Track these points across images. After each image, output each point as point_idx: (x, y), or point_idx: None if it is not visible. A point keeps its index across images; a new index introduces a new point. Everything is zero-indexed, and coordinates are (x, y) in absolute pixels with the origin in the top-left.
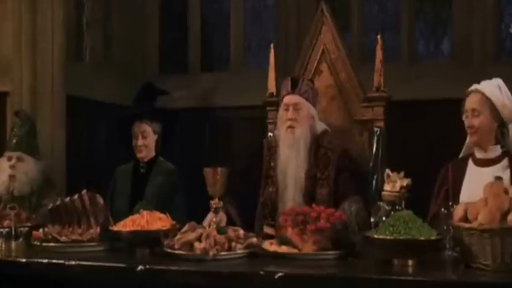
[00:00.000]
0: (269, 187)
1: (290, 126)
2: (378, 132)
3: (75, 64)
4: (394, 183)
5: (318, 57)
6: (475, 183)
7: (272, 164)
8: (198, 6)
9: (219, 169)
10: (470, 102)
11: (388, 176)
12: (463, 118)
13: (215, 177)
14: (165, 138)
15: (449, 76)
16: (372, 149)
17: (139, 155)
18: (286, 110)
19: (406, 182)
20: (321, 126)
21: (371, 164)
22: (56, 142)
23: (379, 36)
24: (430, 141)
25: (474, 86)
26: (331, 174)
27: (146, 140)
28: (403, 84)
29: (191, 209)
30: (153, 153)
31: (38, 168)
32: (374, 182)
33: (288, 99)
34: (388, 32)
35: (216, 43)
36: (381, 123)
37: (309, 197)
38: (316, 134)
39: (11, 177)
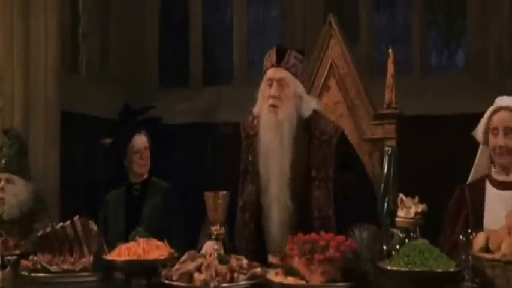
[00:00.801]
0: (248, 185)
1: (273, 105)
2: (389, 152)
3: (71, 77)
4: (409, 209)
5: (325, 72)
6: (498, 208)
7: (250, 158)
8: (199, 16)
9: (220, 193)
10: (503, 120)
11: (402, 201)
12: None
13: (216, 202)
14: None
15: (463, 90)
16: (383, 170)
17: (141, 171)
18: (270, 85)
19: (421, 207)
20: (309, 106)
21: (382, 186)
22: (49, 161)
23: (390, 50)
24: (444, 159)
25: (506, 102)
26: (330, 175)
27: (147, 151)
28: (415, 98)
29: (191, 231)
30: (147, 173)
31: (28, 190)
32: (386, 204)
33: (272, 72)
34: (399, 44)
35: (218, 55)
36: (393, 142)
37: (300, 200)
38: (304, 117)
39: (0, 200)
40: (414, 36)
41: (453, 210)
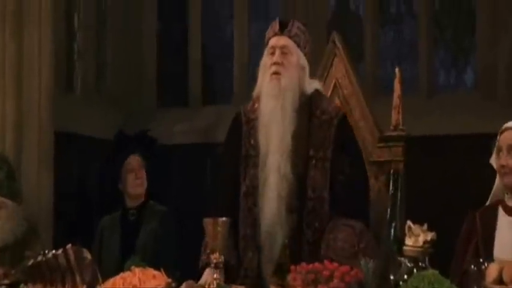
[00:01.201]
0: (250, 169)
1: (275, 72)
2: (396, 176)
3: (65, 96)
4: (417, 237)
5: (329, 92)
6: (509, 235)
7: (252, 141)
8: (198, 34)
9: (220, 220)
10: (506, 138)
11: (410, 228)
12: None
13: (216, 229)
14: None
15: (472, 109)
16: (390, 194)
17: (137, 192)
18: (272, 53)
19: (430, 236)
20: (311, 85)
21: (388, 211)
22: (42, 183)
23: (397, 69)
24: (452, 180)
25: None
26: (328, 155)
27: (142, 171)
28: (421, 118)
29: (189, 258)
30: (143, 196)
31: (20, 214)
32: (392, 231)
33: (275, 40)
34: (405, 62)
35: (218, 73)
36: (400, 165)
37: (299, 178)
38: (306, 93)
39: None
40: (421, 54)
41: (464, 237)
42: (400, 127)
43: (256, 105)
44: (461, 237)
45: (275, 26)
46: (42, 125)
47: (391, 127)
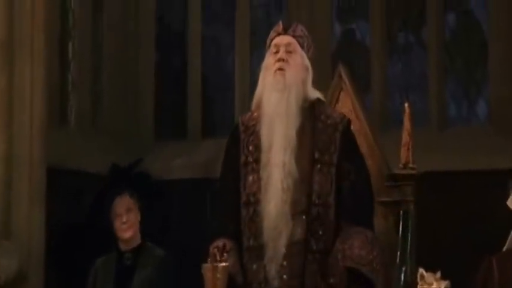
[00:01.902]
0: (249, 176)
1: (280, 69)
2: (406, 216)
3: (59, 130)
4: (430, 286)
5: None
6: None
7: (251, 148)
8: (198, 64)
9: (219, 266)
10: None
11: (422, 277)
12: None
13: (215, 276)
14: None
15: (485, 144)
16: (399, 236)
17: (126, 237)
18: (276, 52)
19: (443, 284)
20: (313, 92)
21: (398, 254)
22: (33, 222)
23: (406, 105)
24: (465, 220)
25: None
26: (333, 160)
27: (131, 214)
28: (432, 152)
29: None
30: (139, 238)
31: (8, 254)
32: (402, 276)
33: (279, 39)
34: (414, 94)
35: (218, 105)
36: (410, 206)
37: (304, 179)
38: (309, 98)
39: None
40: (431, 85)
41: (480, 285)
42: (410, 165)
43: (255, 113)
44: (476, 285)
45: (278, 27)
46: (33, 160)
47: (401, 165)
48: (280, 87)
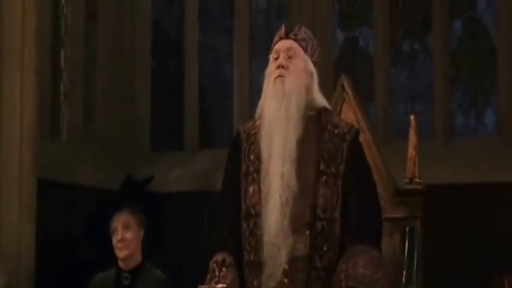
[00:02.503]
0: (250, 187)
1: (279, 76)
2: (412, 234)
3: (50, 141)
4: None
5: None
6: None
7: (252, 157)
8: (195, 72)
9: (217, 287)
10: None
11: None
12: None
13: None
14: (154, 237)
15: (493, 156)
16: (405, 255)
17: (121, 256)
18: (276, 58)
19: None
20: (320, 99)
21: (404, 273)
22: (23, 238)
23: (412, 117)
24: (473, 235)
25: None
26: (339, 172)
27: (129, 233)
28: (438, 165)
29: None
30: (138, 258)
31: None
32: None
33: (280, 44)
34: (420, 103)
35: (216, 115)
36: (416, 222)
37: (306, 192)
38: (315, 104)
39: None
40: (436, 94)
41: None
42: (417, 180)
43: (258, 122)
44: None
45: (280, 31)
46: (23, 173)
47: (406, 180)
48: (279, 95)
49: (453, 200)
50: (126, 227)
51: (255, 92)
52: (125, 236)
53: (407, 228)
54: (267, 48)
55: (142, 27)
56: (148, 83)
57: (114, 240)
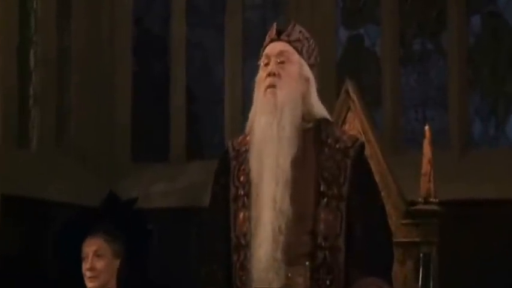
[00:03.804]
0: (239, 213)
1: (270, 86)
2: (427, 261)
3: (17, 152)
4: None
5: None
6: None
7: (242, 178)
8: (182, 75)
9: None
10: None
11: None
12: None
13: None
14: (133, 267)
15: None
16: (419, 285)
17: (89, 286)
18: (267, 64)
19: None
20: (320, 108)
21: None
22: None
23: (426, 128)
24: (495, 259)
25: None
26: (343, 193)
27: (101, 262)
28: (453, 178)
29: None
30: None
31: None
32: None
33: (270, 48)
34: (433, 109)
35: (205, 122)
36: (432, 248)
37: (304, 219)
38: (314, 115)
39: None
40: (451, 99)
41: None
42: (432, 199)
43: (248, 137)
44: None
45: (272, 31)
46: None
47: (420, 199)
48: (270, 108)
49: (470, 219)
50: (98, 255)
51: (248, 96)
52: (95, 265)
53: (421, 255)
54: (261, 48)
55: (123, 23)
56: (129, 86)
57: (84, 267)
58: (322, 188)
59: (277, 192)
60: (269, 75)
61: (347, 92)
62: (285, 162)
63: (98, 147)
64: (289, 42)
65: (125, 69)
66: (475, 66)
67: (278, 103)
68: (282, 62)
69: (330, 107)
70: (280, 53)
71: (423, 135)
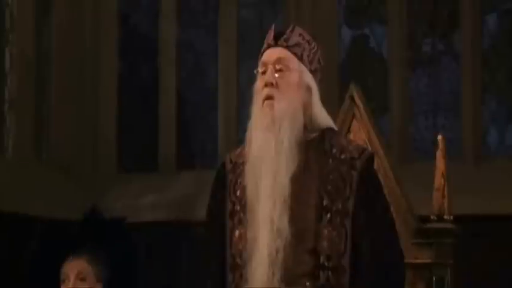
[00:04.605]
0: (235, 230)
1: (267, 97)
2: (441, 285)
3: None
4: None
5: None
6: None
7: (239, 193)
8: (172, 78)
9: None
10: None
11: None
12: None
13: None
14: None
15: None
16: None
17: None
18: (264, 72)
19: None
20: (323, 117)
21: None
22: None
23: (439, 137)
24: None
25: None
26: (348, 209)
27: (83, 284)
28: (466, 191)
29: None
30: None
31: None
32: None
33: (268, 55)
34: (444, 116)
35: (197, 130)
36: (446, 270)
37: (303, 237)
38: (317, 125)
39: None
40: (465, 105)
41: None
42: (446, 216)
43: (246, 149)
44: None
45: (269, 35)
46: None
47: (433, 216)
48: (267, 122)
49: (487, 237)
50: (81, 278)
51: (244, 101)
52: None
53: (434, 278)
54: (258, 49)
55: (108, 22)
56: (114, 90)
57: None
58: (325, 202)
59: (274, 212)
60: (266, 85)
61: (352, 98)
62: (284, 179)
63: (80, 156)
64: (287, 47)
65: (110, 71)
66: (490, 69)
67: (276, 117)
68: (280, 70)
69: (331, 115)
70: (278, 60)
71: (433, 145)
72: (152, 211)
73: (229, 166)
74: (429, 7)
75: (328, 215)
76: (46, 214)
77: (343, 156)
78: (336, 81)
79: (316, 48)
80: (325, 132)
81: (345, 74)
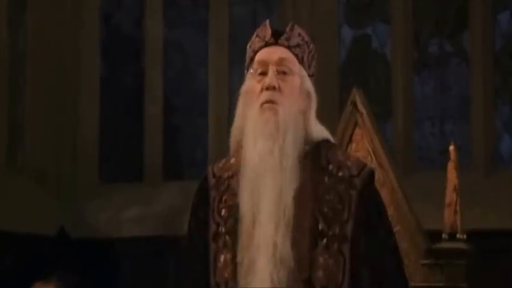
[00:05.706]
0: (221, 254)
1: (269, 101)
2: None
3: None
4: None
5: None
6: None
7: (224, 212)
8: (158, 81)
9: None
10: None
11: None
12: None
13: None
14: None
15: None
16: None
17: None
18: (262, 73)
19: None
20: (318, 129)
21: None
22: None
23: (451, 148)
24: None
25: None
26: (346, 233)
27: None
28: (477, 203)
29: None
30: None
31: None
32: None
33: (266, 53)
34: (452, 123)
35: (186, 137)
36: None
37: (302, 266)
38: (312, 138)
39: None
40: (475, 110)
41: None
42: (459, 235)
43: (232, 160)
44: None
45: (265, 30)
46: None
47: (445, 235)
48: (271, 131)
49: (498, 252)
50: None
51: (236, 106)
52: None
53: None
54: (251, 51)
55: (89, 21)
56: (96, 94)
57: None
58: (320, 226)
59: (279, 236)
60: (268, 88)
61: (354, 104)
62: (288, 196)
63: (58, 166)
64: (289, 47)
65: (92, 74)
66: (502, 71)
67: (280, 124)
68: (283, 72)
69: (331, 123)
70: (280, 61)
71: (440, 153)
72: (136, 225)
73: (212, 181)
74: (436, 4)
75: (324, 241)
76: (20, 229)
77: (340, 174)
78: (336, 84)
79: (314, 51)
80: (321, 145)
81: (345, 77)
